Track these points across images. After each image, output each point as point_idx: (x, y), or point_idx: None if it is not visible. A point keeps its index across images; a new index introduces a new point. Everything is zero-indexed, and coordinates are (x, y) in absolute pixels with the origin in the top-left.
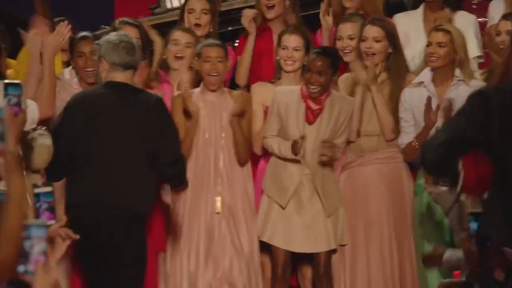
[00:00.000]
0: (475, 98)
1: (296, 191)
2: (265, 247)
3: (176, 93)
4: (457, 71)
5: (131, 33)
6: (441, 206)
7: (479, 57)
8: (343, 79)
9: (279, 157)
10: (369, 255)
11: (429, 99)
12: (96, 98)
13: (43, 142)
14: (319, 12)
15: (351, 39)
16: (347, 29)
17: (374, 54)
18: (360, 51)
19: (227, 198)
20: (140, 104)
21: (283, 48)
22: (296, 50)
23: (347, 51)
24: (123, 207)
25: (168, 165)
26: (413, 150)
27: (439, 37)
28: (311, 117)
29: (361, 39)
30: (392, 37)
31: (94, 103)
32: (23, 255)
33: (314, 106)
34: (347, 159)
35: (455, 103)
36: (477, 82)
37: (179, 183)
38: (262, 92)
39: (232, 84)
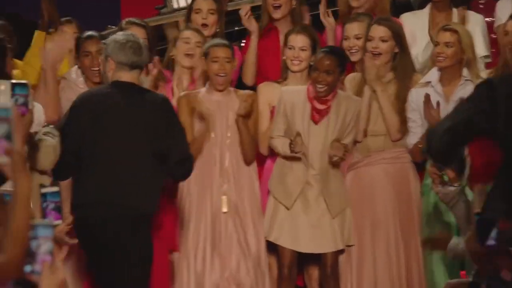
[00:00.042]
0: (482, 87)
1: (303, 191)
2: (272, 247)
3: (176, 89)
4: (465, 71)
5: (138, 33)
6: (448, 206)
7: (486, 56)
8: (350, 79)
9: (285, 157)
10: (376, 255)
11: (427, 97)
12: (102, 97)
13: (49, 143)
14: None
15: (357, 38)
16: (354, 28)
17: (380, 54)
18: (366, 51)
19: (233, 197)
20: (146, 104)
21: (290, 48)
22: (302, 50)
23: (353, 50)
24: (129, 206)
25: (177, 165)
26: (419, 151)
27: (447, 37)
28: (317, 116)
29: (368, 38)
30: (398, 37)
31: (100, 103)
32: (29, 255)
33: (319, 106)
34: (353, 159)
35: None
36: None
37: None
38: (268, 92)
39: (238, 84)
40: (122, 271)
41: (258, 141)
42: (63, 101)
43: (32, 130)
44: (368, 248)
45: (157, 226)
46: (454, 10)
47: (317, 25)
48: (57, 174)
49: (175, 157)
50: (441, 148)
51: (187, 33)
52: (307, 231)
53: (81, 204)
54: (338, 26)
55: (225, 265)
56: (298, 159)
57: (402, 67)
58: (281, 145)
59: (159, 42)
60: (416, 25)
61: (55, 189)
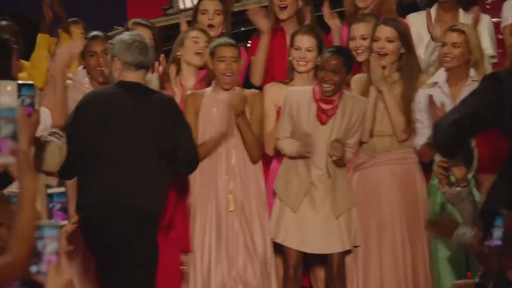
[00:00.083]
0: (488, 80)
1: (309, 192)
2: (278, 248)
3: (176, 89)
4: (472, 72)
5: (144, 34)
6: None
7: (492, 56)
8: (356, 80)
9: (291, 158)
10: (382, 256)
11: (431, 97)
12: (108, 97)
13: (55, 144)
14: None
15: (364, 39)
16: (360, 29)
17: (386, 54)
18: (372, 51)
19: (239, 196)
20: (152, 104)
21: (296, 49)
22: (309, 50)
23: (360, 51)
24: (135, 207)
25: (185, 164)
26: (429, 152)
27: (454, 37)
28: (323, 117)
29: (374, 39)
30: (404, 37)
31: (106, 103)
32: (35, 255)
33: (325, 107)
34: (359, 160)
35: None
36: None
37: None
38: (274, 93)
39: (244, 86)
40: (128, 271)
41: (263, 141)
42: (69, 102)
43: (38, 134)
44: (374, 249)
45: (168, 226)
46: (461, 10)
47: (323, 26)
48: (63, 173)
49: (183, 157)
50: (446, 141)
51: (195, 33)
52: (314, 231)
53: (86, 204)
54: (344, 26)
55: (232, 265)
56: (304, 159)
57: (408, 67)
58: (289, 146)
59: (165, 43)
60: (422, 25)
61: (61, 189)
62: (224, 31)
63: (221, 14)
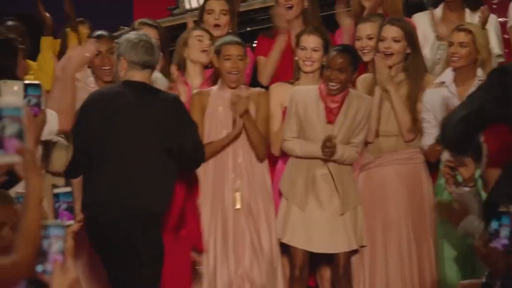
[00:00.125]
0: (495, 73)
1: (315, 191)
2: (284, 248)
3: (181, 90)
4: (479, 71)
5: (150, 34)
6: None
7: (498, 56)
8: (361, 80)
9: (297, 157)
10: (388, 256)
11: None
12: (113, 96)
13: (62, 144)
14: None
15: (370, 39)
16: (366, 29)
17: (392, 54)
18: (378, 51)
19: (246, 194)
20: (157, 103)
21: (302, 49)
22: (315, 50)
23: (366, 51)
24: (140, 206)
25: (190, 160)
26: (437, 151)
27: (461, 37)
28: (331, 116)
29: (380, 39)
30: (410, 37)
31: (111, 102)
32: (41, 255)
33: (332, 105)
34: (365, 160)
35: None
36: None
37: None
38: (280, 93)
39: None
40: (133, 270)
41: (269, 141)
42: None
43: (43, 138)
44: (380, 249)
45: (178, 226)
46: (467, 10)
47: (329, 26)
48: (69, 172)
49: (187, 152)
50: (454, 138)
51: (199, 32)
52: (320, 231)
53: (91, 203)
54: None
55: (238, 263)
56: (310, 159)
57: (414, 67)
58: (300, 147)
59: (171, 43)
60: (428, 25)
61: (67, 189)
62: (230, 31)
63: (227, 14)
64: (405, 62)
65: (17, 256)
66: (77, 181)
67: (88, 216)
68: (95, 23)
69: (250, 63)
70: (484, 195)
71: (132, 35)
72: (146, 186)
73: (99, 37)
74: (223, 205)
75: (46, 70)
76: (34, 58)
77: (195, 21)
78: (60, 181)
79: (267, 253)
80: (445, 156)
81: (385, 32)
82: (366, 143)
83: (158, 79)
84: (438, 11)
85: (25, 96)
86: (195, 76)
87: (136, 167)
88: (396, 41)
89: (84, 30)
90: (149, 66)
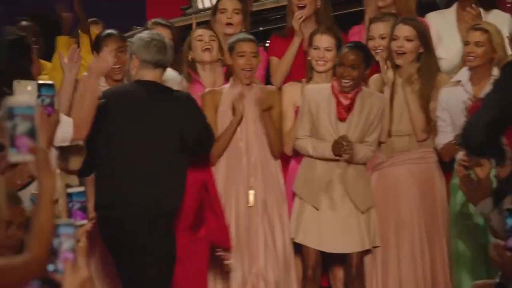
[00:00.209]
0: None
1: (328, 191)
2: (297, 247)
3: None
4: (495, 70)
5: (164, 34)
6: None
7: None
8: (374, 80)
9: (311, 158)
10: (400, 256)
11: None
12: (124, 95)
13: (77, 144)
14: (350, 12)
15: (382, 38)
16: (379, 28)
17: (405, 53)
18: (390, 51)
19: (260, 191)
20: (169, 102)
21: (315, 48)
22: (327, 50)
23: (379, 50)
24: (145, 206)
25: (201, 147)
26: (452, 150)
27: (477, 36)
28: (343, 113)
29: (392, 38)
30: (423, 36)
31: (122, 101)
32: (52, 253)
33: (344, 101)
34: (377, 160)
35: None
36: None
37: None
38: (293, 92)
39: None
40: (140, 270)
41: (282, 139)
42: None
43: (56, 144)
44: (393, 249)
45: (195, 226)
46: (481, 9)
47: (341, 25)
48: (81, 171)
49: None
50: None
51: (198, 31)
52: (333, 231)
53: (101, 203)
54: (362, 26)
55: (252, 261)
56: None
57: (427, 67)
58: (313, 147)
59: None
60: (442, 24)
61: (81, 189)
62: (243, 30)
63: (240, 13)
64: (418, 61)
65: (29, 256)
66: (90, 179)
67: (99, 216)
68: (108, 23)
69: (263, 62)
70: None
71: (145, 34)
72: (153, 185)
73: (108, 35)
74: (237, 203)
75: (61, 70)
76: (48, 59)
77: (204, 22)
78: (74, 179)
79: (281, 252)
80: (460, 155)
81: (398, 31)
82: (379, 143)
83: (170, 79)
84: (452, 11)
85: (39, 96)
86: (205, 76)
87: (144, 167)
88: (408, 40)
89: (96, 30)
90: (161, 65)
